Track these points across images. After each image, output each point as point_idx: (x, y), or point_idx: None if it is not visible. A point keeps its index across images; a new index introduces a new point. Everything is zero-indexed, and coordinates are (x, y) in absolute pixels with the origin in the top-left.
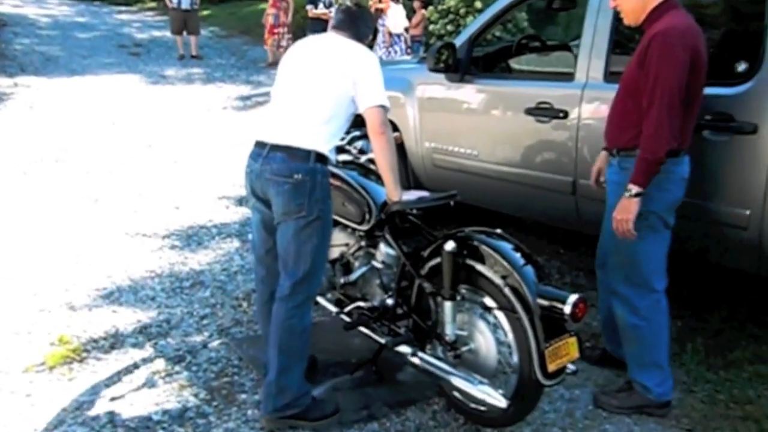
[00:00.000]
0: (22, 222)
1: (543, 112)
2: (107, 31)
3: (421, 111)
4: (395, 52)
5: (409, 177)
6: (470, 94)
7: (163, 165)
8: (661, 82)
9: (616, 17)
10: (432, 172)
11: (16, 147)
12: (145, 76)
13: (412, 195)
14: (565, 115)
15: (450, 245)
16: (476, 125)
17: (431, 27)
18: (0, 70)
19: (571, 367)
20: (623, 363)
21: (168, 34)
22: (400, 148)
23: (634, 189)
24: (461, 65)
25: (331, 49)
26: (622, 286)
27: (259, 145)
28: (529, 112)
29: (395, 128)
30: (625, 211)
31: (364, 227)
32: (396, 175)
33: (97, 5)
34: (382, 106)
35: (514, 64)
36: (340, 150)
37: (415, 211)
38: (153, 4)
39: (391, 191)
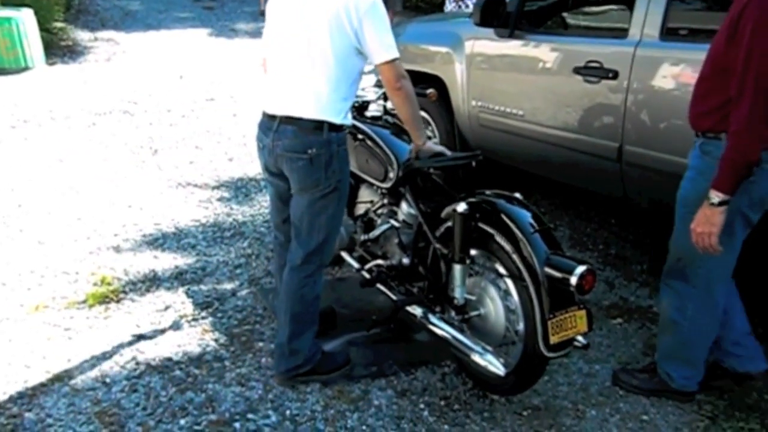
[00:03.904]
0: (84, 170)
1: (592, 71)
2: None
3: (469, 68)
4: (466, 7)
5: (455, 136)
6: (518, 50)
7: (222, 118)
8: (755, 63)
9: None
10: (478, 132)
11: (89, 99)
12: (216, 30)
13: (437, 148)
14: (615, 75)
15: (462, 207)
16: (523, 84)
17: None
18: (83, 25)
19: (581, 340)
20: None
21: None
22: (447, 104)
23: (717, 197)
24: (511, 19)
25: None
26: (677, 281)
27: (268, 117)
28: (578, 71)
29: (442, 85)
30: (707, 223)
31: (386, 185)
32: (420, 124)
33: None
34: (394, 59)
35: (569, 19)
36: (368, 104)
37: (432, 170)
38: None
39: (416, 138)
